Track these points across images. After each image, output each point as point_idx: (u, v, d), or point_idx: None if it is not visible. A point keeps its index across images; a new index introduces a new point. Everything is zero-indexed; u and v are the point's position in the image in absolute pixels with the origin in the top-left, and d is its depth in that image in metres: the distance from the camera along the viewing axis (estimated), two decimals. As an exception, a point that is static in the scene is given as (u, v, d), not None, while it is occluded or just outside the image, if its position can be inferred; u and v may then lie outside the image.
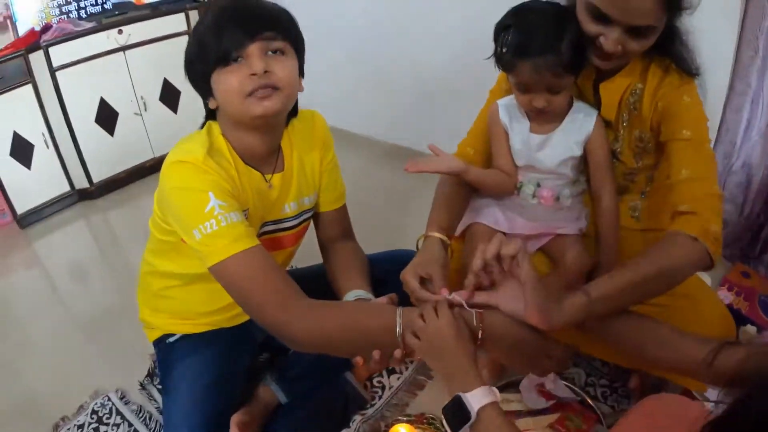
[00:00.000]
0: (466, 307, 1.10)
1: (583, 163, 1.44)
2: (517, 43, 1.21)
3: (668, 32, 1.23)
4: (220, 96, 1.16)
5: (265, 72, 1.12)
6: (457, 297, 1.16)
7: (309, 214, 1.46)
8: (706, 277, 1.82)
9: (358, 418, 1.54)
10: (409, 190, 2.59)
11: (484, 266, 1.10)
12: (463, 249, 1.60)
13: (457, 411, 0.97)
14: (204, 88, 1.19)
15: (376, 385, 1.66)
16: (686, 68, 1.26)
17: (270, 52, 1.14)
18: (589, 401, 1.49)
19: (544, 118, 1.37)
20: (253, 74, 1.11)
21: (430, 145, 1.45)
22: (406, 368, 1.69)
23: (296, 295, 1.12)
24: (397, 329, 1.06)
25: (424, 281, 1.25)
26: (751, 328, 1.80)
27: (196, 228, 1.10)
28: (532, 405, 1.48)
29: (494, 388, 0.99)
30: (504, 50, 1.25)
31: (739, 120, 2.01)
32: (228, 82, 1.12)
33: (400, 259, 1.57)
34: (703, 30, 1.28)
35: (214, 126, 1.25)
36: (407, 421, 1.45)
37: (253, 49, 1.12)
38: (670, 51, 1.26)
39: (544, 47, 1.19)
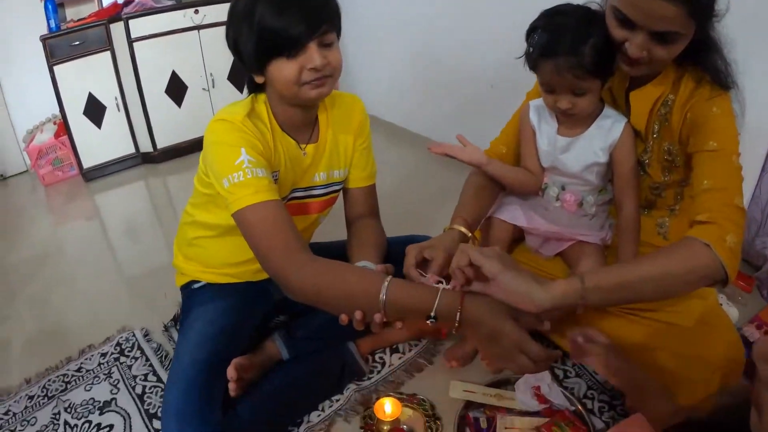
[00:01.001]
0: (447, 287, 1.14)
1: (610, 172, 1.43)
2: (543, 43, 1.25)
3: (703, 43, 1.21)
4: (275, 80, 1.25)
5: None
6: (436, 277, 1.23)
7: (338, 187, 1.55)
8: (734, 311, 1.79)
9: (352, 386, 1.61)
10: (449, 188, 2.62)
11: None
12: (480, 241, 1.65)
13: None
14: (254, 68, 1.28)
15: (377, 360, 1.71)
16: (720, 81, 1.23)
17: (324, 44, 1.23)
18: (583, 412, 1.46)
19: (571, 121, 1.39)
20: (313, 68, 1.21)
21: (458, 136, 1.51)
22: (410, 349, 1.74)
23: (301, 249, 1.20)
24: (381, 296, 1.12)
25: (426, 263, 1.31)
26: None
27: (226, 177, 1.22)
28: (524, 406, 1.49)
29: None
30: (531, 50, 1.29)
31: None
32: (287, 71, 1.21)
33: (415, 243, 1.67)
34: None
35: (260, 96, 1.36)
36: (397, 398, 1.50)
37: (313, 44, 1.20)
38: (704, 62, 1.24)
39: (566, 48, 1.22)
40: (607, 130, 1.36)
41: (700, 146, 1.22)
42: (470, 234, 1.45)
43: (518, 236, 1.62)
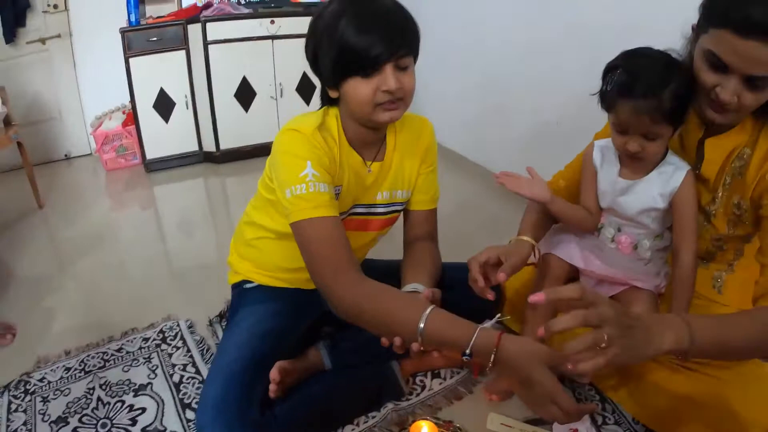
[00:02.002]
0: (486, 326, 1.11)
1: (669, 219, 1.39)
2: (622, 83, 1.23)
3: None
4: (349, 98, 1.25)
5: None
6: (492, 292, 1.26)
7: (399, 207, 1.54)
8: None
9: (390, 405, 1.56)
10: (502, 219, 2.60)
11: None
12: (535, 278, 1.61)
13: None
14: (330, 83, 1.30)
15: (418, 383, 1.66)
16: None
17: (399, 68, 1.23)
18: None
19: (635, 165, 1.36)
20: (387, 90, 1.21)
21: (528, 168, 1.48)
22: (452, 377, 1.69)
23: (351, 268, 1.21)
24: (420, 324, 1.11)
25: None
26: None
27: (289, 188, 1.24)
28: (559, 447, 1.44)
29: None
30: (608, 88, 1.26)
31: None
32: (361, 91, 1.22)
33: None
34: None
35: (332, 110, 1.37)
36: (434, 423, 1.46)
37: (389, 66, 1.20)
38: None
39: (646, 90, 1.19)
40: (668, 177, 1.33)
41: None
42: (536, 243, 1.48)
43: (573, 275, 1.58)
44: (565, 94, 2.56)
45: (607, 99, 1.28)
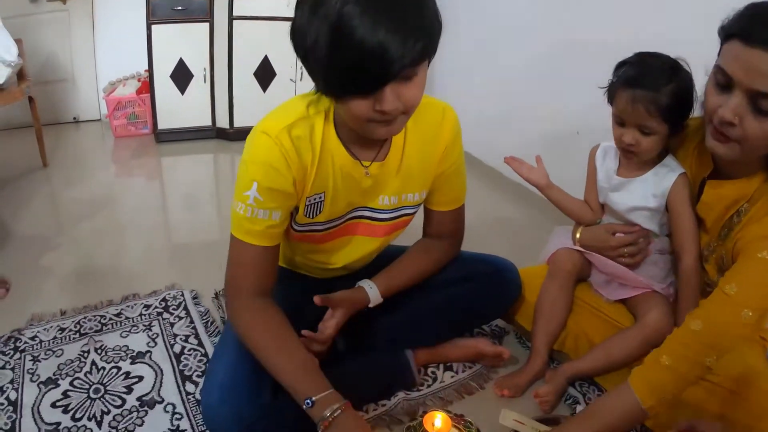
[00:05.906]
0: None
1: (667, 223, 1.43)
2: (628, 75, 1.32)
3: None
4: (341, 109, 1.06)
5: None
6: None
7: (411, 210, 1.39)
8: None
9: (401, 395, 1.49)
10: (512, 221, 2.54)
11: None
12: (546, 275, 1.60)
13: None
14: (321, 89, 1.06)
15: (429, 374, 1.59)
16: None
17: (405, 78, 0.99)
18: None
19: (631, 163, 1.42)
20: (381, 111, 1.00)
21: (537, 156, 1.59)
22: (464, 371, 1.62)
23: (255, 294, 1.21)
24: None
25: None
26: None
27: (235, 199, 1.19)
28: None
29: None
30: (615, 80, 1.36)
31: None
32: (355, 108, 1.00)
33: (491, 263, 1.59)
34: None
35: (325, 100, 1.15)
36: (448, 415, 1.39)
37: (390, 87, 0.97)
38: None
39: (648, 83, 1.27)
40: (661, 178, 1.38)
41: (722, 283, 1.13)
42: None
43: (584, 275, 1.63)
44: (588, 102, 2.49)
45: (612, 89, 1.36)
